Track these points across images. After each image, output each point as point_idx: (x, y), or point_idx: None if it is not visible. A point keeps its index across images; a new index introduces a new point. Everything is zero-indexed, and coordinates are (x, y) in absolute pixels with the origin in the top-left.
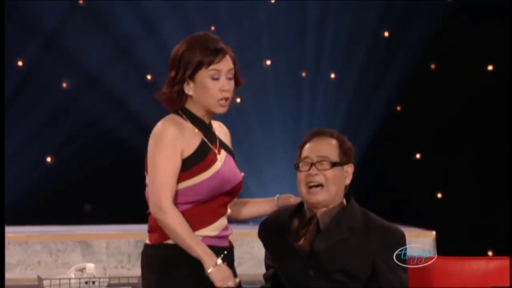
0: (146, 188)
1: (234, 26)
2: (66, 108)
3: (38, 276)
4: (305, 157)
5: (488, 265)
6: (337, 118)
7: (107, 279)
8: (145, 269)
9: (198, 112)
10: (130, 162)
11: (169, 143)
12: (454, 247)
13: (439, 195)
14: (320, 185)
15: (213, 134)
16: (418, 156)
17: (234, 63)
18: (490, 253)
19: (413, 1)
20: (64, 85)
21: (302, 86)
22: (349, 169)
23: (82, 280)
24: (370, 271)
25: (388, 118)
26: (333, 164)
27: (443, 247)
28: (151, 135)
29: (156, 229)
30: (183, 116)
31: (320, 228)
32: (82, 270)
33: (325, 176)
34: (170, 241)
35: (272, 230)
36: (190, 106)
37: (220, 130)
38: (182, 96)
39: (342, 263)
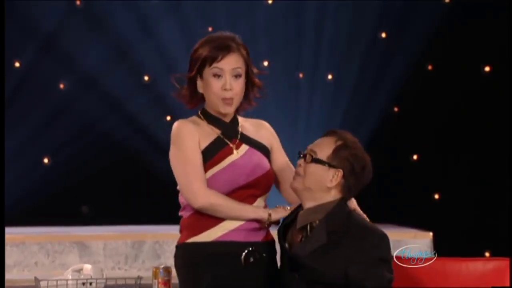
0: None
1: (231, 27)
2: (63, 109)
3: (35, 277)
4: (306, 148)
5: (485, 266)
6: (335, 119)
7: (104, 280)
8: (176, 270)
9: (214, 112)
10: (128, 163)
11: (187, 138)
12: (451, 248)
13: (436, 196)
14: (300, 176)
15: (235, 130)
16: (415, 157)
17: (247, 62)
18: (487, 254)
19: (410, 2)
20: (62, 86)
21: (300, 87)
22: (337, 174)
23: (79, 281)
24: (345, 282)
25: (385, 119)
26: (315, 160)
27: (440, 248)
28: (171, 137)
29: (183, 229)
30: (201, 117)
31: (297, 227)
32: (79, 271)
33: (305, 168)
34: (192, 239)
35: (282, 228)
36: (207, 106)
37: (254, 127)
38: (196, 95)
39: (319, 274)
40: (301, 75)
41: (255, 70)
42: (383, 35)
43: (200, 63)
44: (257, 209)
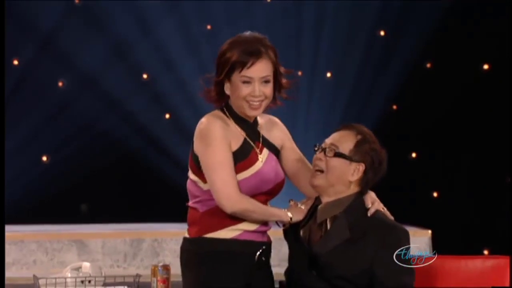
0: (188, 181)
1: (230, 26)
2: (62, 108)
3: (34, 275)
4: (323, 142)
5: (484, 264)
6: (333, 117)
7: (103, 278)
8: (184, 263)
9: (240, 111)
10: (127, 161)
11: (219, 138)
12: (450, 246)
13: (435, 194)
14: (322, 170)
15: (257, 132)
16: (414, 155)
17: (275, 66)
18: (486, 252)
19: (409, 1)
20: (60, 84)
21: (298, 86)
22: (359, 168)
23: (78, 279)
24: (369, 276)
25: (384, 117)
26: (337, 154)
27: (439, 246)
28: (198, 133)
29: (196, 222)
30: (226, 113)
31: (318, 222)
32: (77, 269)
33: (327, 163)
34: (209, 235)
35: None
36: (233, 104)
37: (267, 125)
38: (223, 96)
39: (341, 270)
40: (300, 73)
41: (282, 70)
42: (382, 33)
43: (229, 68)
44: (280, 212)
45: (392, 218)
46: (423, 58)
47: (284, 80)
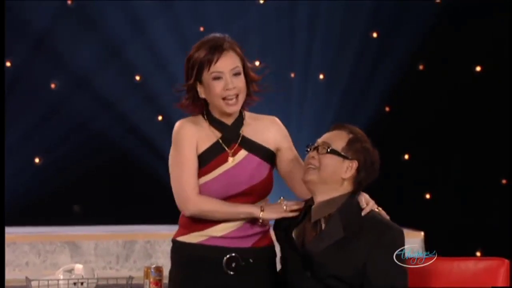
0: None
1: (223, 27)
2: (55, 109)
3: (26, 277)
4: (315, 142)
5: (476, 265)
6: (326, 119)
7: (96, 280)
8: (171, 263)
9: (218, 114)
10: (119, 163)
11: (184, 139)
12: (442, 247)
13: (428, 196)
14: (314, 167)
15: (236, 134)
16: (406, 156)
17: (242, 59)
18: (478, 254)
19: (402, 2)
20: (53, 86)
21: (291, 87)
22: (352, 165)
23: (71, 281)
24: (362, 276)
25: (377, 119)
26: (331, 151)
27: (432, 248)
28: (172, 136)
29: (179, 224)
30: (204, 117)
31: (313, 222)
32: (70, 271)
33: (320, 160)
34: (181, 238)
35: (284, 224)
36: (211, 108)
37: (260, 127)
38: (199, 101)
39: (334, 269)
40: (292, 75)
41: (250, 65)
42: (375, 35)
43: (198, 69)
44: (249, 208)
45: (387, 217)
46: (416, 60)
47: (253, 74)
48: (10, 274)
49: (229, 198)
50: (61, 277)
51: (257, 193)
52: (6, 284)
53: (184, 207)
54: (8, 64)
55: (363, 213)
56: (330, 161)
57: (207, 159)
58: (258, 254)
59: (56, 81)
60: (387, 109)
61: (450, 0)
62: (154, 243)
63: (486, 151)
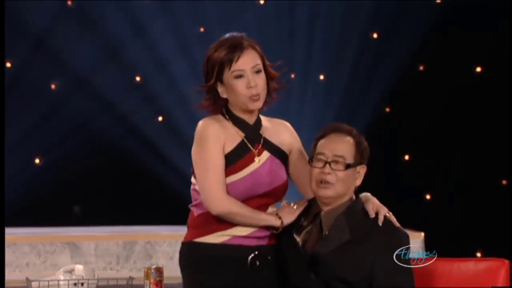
0: (191, 186)
1: (222, 27)
2: (55, 109)
3: (27, 278)
4: (321, 153)
5: (476, 266)
6: (326, 119)
7: (96, 281)
8: (181, 267)
9: (239, 113)
10: (119, 163)
11: (212, 139)
12: (442, 248)
13: (428, 197)
14: (332, 183)
15: (258, 135)
16: (406, 157)
17: (262, 57)
18: (478, 255)
19: (402, 2)
20: (53, 86)
21: (291, 88)
22: (362, 170)
23: (71, 282)
24: (369, 280)
25: (377, 119)
26: (347, 166)
27: (432, 249)
28: (195, 135)
29: (190, 226)
30: (226, 116)
31: (323, 229)
32: (70, 271)
33: (337, 176)
34: (199, 239)
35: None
36: (231, 107)
37: (275, 129)
38: (220, 101)
39: (340, 272)
40: (292, 76)
41: (268, 63)
42: (375, 35)
43: (218, 68)
44: (270, 217)
45: (397, 223)
46: (416, 60)
47: (273, 71)
48: (10, 275)
49: (252, 199)
50: (62, 277)
51: (277, 195)
52: (7, 285)
53: (213, 205)
54: (8, 64)
55: (379, 223)
56: (348, 175)
57: (234, 159)
58: (274, 252)
59: (56, 81)
60: (387, 109)
61: (450, 0)
62: (155, 244)
63: (486, 151)
